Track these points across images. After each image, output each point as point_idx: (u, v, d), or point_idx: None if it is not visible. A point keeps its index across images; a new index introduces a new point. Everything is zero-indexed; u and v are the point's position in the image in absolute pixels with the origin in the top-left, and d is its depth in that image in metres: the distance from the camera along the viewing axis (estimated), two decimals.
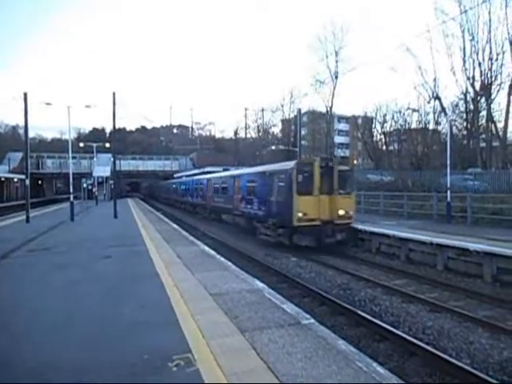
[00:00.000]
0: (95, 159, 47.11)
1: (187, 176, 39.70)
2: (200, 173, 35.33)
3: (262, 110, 55.07)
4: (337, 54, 42.16)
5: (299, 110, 32.56)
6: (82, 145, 46.48)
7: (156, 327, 5.15)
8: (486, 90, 26.12)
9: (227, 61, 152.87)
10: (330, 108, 44.25)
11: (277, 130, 59.12)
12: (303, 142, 46.42)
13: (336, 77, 42.12)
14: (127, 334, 4.96)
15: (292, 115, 49.89)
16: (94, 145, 44.36)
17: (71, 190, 24.71)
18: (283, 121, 54.76)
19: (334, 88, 42.78)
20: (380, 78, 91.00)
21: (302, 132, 40.29)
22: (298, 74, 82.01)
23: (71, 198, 23.64)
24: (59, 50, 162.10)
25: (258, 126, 57.36)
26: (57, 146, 69.79)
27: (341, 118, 60.56)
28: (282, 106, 52.01)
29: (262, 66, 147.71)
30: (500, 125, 27.59)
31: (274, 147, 55.10)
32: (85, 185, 43.86)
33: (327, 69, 42.60)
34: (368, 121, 46.27)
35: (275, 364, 3.97)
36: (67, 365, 4.12)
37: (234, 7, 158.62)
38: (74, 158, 40.74)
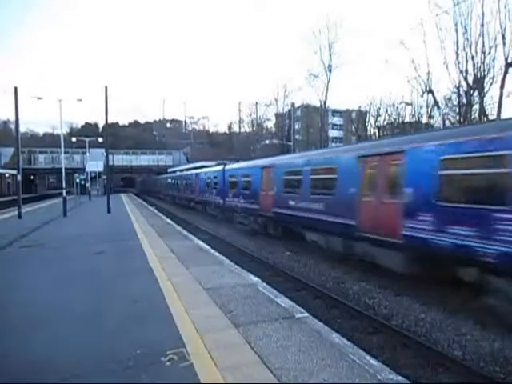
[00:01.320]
0: (88, 154, 46.69)
1: (181, 171, 39.54)
2: (194, 167, 35.18)
3: (256, 104, 54.97)
4: (330, 47, 42.07)
5: (293, 104, 32.58)
6: (74, 139, 46.01)
7: (149, 322, 5.13)
8: (478, 83, 26.20)
9: (221, 54, 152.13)
10: (324, 102, 44.20)
11: (271, 124, 59.13)
12: (297, 136, 46.48)
13: (330, 70, 42.05)
14: (119, 329, 4.94)
15: (286, 109, 49.83)
16: (87, 139, 43.99)
17: (64, 186, 24.47)
18: (277, 115, 54.67)
19: (328, 82, 42.73)
20: (374, 72, 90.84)
21: (296, 126, 40.37)
22: (292, 68, 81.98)
23: (64, 194, 23.42)
24: (50, 43, 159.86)
25: (252, 121, 57.29)
26: (49, 141, 69.16)
27: (335, 112, 60.54)
28: (276, 100, 51.96)
29: (255, 59, 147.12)
30: (493, 117, 27.74)
31: (268, 141, 55.04)
32: (78, 180, 43.50)
33: (321, 62, 42.51)
34: (362, 115, 46.43)
35: (269, 358, 3.98)
36: (58, 360, 4.09)
37: (227, 1, 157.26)
38: (66, 152, 40.46)
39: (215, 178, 23.41)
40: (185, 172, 35.12)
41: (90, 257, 9.93)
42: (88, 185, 42.88)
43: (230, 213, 20.70)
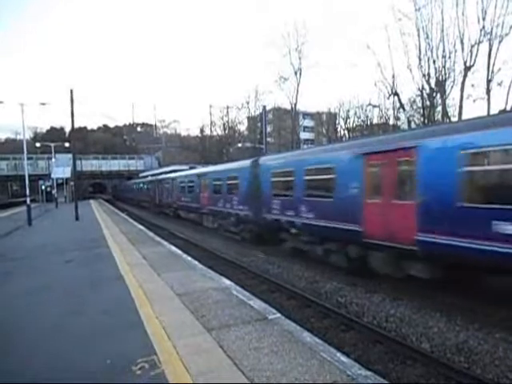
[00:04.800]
0: (54, 160, 45.01)
1: (152, 175, 38.86)
2: (165, 172, 34.65)
3: (227, 108, 54.83)
4: (299, 50, 42.66)
5: (264, 107, 32.82)
6: (38, 145, 44.27)
7: (119, 331, 5.01)
8: (440, 86, 27.35)
9: (191, 58, 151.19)
10: (295, 105, 44.74)
11: (243, 127, 59.12)
12: (269, 139, 46.81)
13: (299, 73, 42.64)
14: (88, 340, 4.79)
15: (257, 112, 50.03)
16: (52, 145, 42.41)
17: (28, 193, 23.49)
18: (249, 118, 54.79)
19: (298, 85, 43.27)
20: (343, 75, 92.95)
21: (268, 129, 40.64)
22: (263, 71, 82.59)
23: (28, 201, 22.47)
24: (11, 45, 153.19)
25: (223, 124, 57.03)
26: (11, 147, 66.14)
27: (305, 115, 61.35)
28: (248, 103, 52.04)
29: (226, 63, 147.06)
30: (454, 119, 29.03)
31: (240, 144, 55.04)
32: (43, 187, 41.85)
33: (290, 65, 43.05)
34: (332, 117, 47.42)
35: (242, 360, 3.98)
36: (26, 375, 3.91)
37: (198, 4, 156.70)
38: (30, 158, 38.86)
39: (237, 178, 16.03)
40: (180, 172, 27.11)
41: (58, 266, 9.57)
42: (54, 192, 41.27)
43: (271, 232, 13.88)
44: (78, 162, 38.82)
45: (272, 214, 13.06)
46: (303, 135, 59.56)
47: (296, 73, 42.45)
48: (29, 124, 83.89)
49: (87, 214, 26.59)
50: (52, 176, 44.61)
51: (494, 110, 23.59)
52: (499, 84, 23.99)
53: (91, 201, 52.41)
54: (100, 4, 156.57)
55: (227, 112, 55.08)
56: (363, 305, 8.15)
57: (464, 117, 25.14)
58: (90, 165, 56.37)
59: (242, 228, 16.12)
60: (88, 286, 7.48)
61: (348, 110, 42.88)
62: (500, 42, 23.46)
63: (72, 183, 36.11)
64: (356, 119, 42.51)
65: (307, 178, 11.29)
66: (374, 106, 35.64)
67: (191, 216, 23.76)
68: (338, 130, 45.77)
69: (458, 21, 24.96)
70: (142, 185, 43.37)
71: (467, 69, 25.07)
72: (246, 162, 15.57)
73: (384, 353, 6.07)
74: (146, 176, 41.31)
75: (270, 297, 8.83)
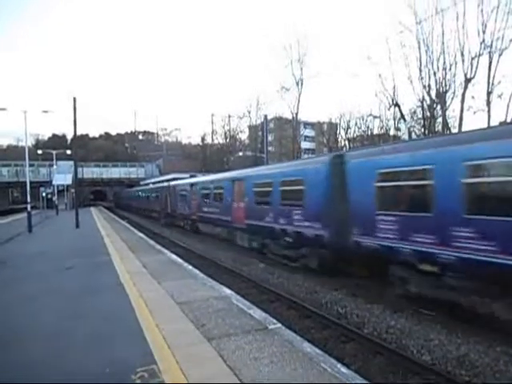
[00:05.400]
0: (55, 167, 45.15)
1: (161, 181, 38.65)
2: (166, 180, 34.44)
3: (229, 117, 55.15)
4: (301, 61, 43.06)
5: (265, 117, 32.92)
6: (40, 152, 44.48)
7: (119, 339, 5.00)
8: (441, 97, 27.55)
9: (193, 67, 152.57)
10: (296, 114, 44.99)
11: (244, 136, 59.38)
12: (270, 148, 46.98)
13: (301, 84, 42.98)
14: (88, 348, 4.78)
15: (259, 121, 50.28)
16: (54, 152, 42.62)
17: (29, 200, 23.54)
18: (250, 127, 55.05)
19: (299, 94, 43.59)
20: (344, 85, 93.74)
21: (269, 138, 40.71)
22: (265, 81, 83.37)
23: (28, 208, 22.50)
24: (15, 52, 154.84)
25: (225, 133, 57.32)
26: (13, 154, 66.42)
27: (306, 124, 61.68)
28: (249, 112, 52.32)
29: (228, 72, 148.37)
30: (455, 130, 29.18)
31: (241, 153, 55.24)
32: (44, 194, 41.91)
33: (292, 76, 43.41)
34: (333, 127, 47.64)
35: (242, 370, 3.96)
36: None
37: (201, 14, 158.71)
38: (31, 165, 39.03)
39: (302, 182, 11.33)
40: (203, 177, 23.49)
41: (58, 273, 9.57)
42: (55, 199, 41.30)
43: (369, 263, 9.88)
44: (79, 170, 38.82)
45: (376, 237, 8.70)
46: (304, 145, 59.81)
47: (297, 83, 42.78)
48: (31, 131, 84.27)
49: (88, 222, 26.60)
50: (53, 183, 44.74)
51: (495, 122, 23.77)
52: (499, 96, 24.19)
53: (92, 208, 52.42)
54: (103, 11, 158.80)
55: (229, 121, 55.41)
56: (363, 316, 8.11)
57: (464, 128, 25.28)
58: (91, 172, 56.53)
59: (306, 253, 11.59)
60: (88, 294, 7.47)
61: (349, 121, 43.12)
62: (500, 55, 23.71)
63: (73, 190, 36.08)
64: (357, 129, 42.74)
65: (476, 181, 6.80)
66: (375, 117, 35.88)
67: (217, 231, 19.57)
68: (339, 140, 45.94)
69: (459, 34, 25.26)
70: (149, 192, 38.64)
71: (467, 81, 25.28)
72: (320, 160, 11.21)
73: (384, 364, 6.03)
74: (154, 182, 38.34)
75: (270, 306, 8.79)
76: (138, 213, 45.70)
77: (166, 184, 30.66)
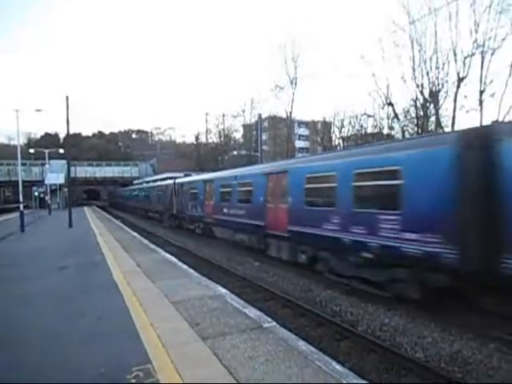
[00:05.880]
0: (47, 166, 44.73)
1: (147, 182, 38.41)
2: (157, 179, 34.04)
3: (223, 115, 55.04)
4: (295, 60, 43.11)
5: (260, 116, 32.91)
6: (32, 151, 44.03)
7: (113, 339, 4.96)
8: (434, 97, 27.75)
9: (188, 65, 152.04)
10: (290, 113, 45.08)
11: (238, 135, 59.34)
12: (265, 147, 46.99)
13: (295, 83, 43.04)
14: (82, 348, 4.74)
15: (253, 120, 50.26)
16: (46, 151, 42.22)
17: (21, 199, 23.31)
18: (244, 126, 55.02)
19: (294, 94, 43.67)
20: (338, 85, 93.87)
21: (264, 137, 40.73)
22: (259, 80, 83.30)
23: (21, 207, 22.29)
24: (7, 50, 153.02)
25: (219, 131, 57.22)
26: (5, 153, 65.58)
27: (301, 123, 61.78)
28: (243, 111, 52.30)
29: (223, 70, 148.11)
30: (447, 129, 29.42)
31: (235, 152, 55.19)
32: (36, 193, 41.54)
33: (287, 75, 43.45)
34: (327, 126, 47.75)
35: (237, 369, 3.96)
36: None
37: (196, 12, 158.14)
38: (23, 164, 38.63)
39: (403, 173, 7.85)
40: (222, 172, 19.56)
41: (51, 273, 9.48)
42: (48, 198, 40.92)
43: None
44: (72, 169, 38.53)
45: None
46: (298, 144, 59.93)
47: (292, 82, 42.89)
48: (23, 129, 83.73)
49: (81, 221, 26.41)
50: (46, 182, 44.34)
51: (487, 121, 24.00)
52: (491, 95, 24.42)
53: (85, 208, 52.02)
54: (97, 10, 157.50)
55: (223, 120, 55.31)
56: (358, 314, 8.15)
57: (457, 127, 25.49)
58: (84, 171, 56.14)
59: (402, 276, 8.08)
60: (82, 293, 7.41)
61: (343, 120, 43.23)
62: (492, 54, 23.95)
63: (66, 190, 35.75)
64: (350, 128, 42.90)
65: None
66: (369, 116, 36.03)
67: (239, 238, 15.98)
68: (333, 138, 46.09)
69: (451, 33, 25.48)
70: (148, 190, 35.16)
71: (460, 80, 25.50)
72: (435, 140, 7.68)
73: (378, 362, 6.07)
74: (155, 180, 35.55)
75: (264, 305, 8.80)
76: (135, 213, 43.46)
77: (170, 182, 27.27)
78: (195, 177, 23.41)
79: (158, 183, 32.20)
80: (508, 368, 5.61)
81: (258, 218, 13.59)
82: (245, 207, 14.80)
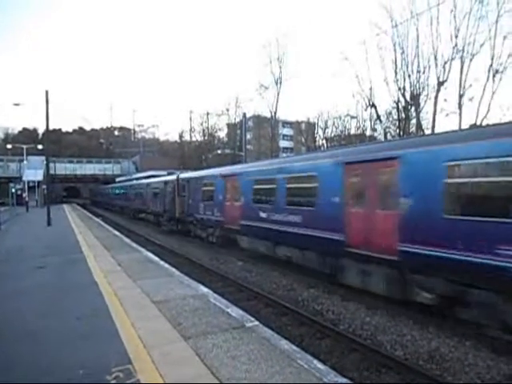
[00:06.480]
0: (25, 162, 43.48)
1: (129, 180, 37.59)
2: (143, 177, 33.27)
3: (207, 114, 54.73)
4: (280, 60, 43.30)
5: (244, 115, 32.96)
6: (9, 146, 42.76)
7: (93, 340, 4.87)
8: (415, 99, 28.35)
9: (171, 62, 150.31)
10: (275, 113, 45.27)
11: (223, 134, 59.12)
12: (249, 147, 46.97)
13: (280, 82, 43.21)
14: (60, 349, 4.63)
15: (238, 119, 50.21)
16: (24, 146, 41.12)
17: None
18: (229, 125, 54.88)
19: (278, 93, 43.86)
20: (322, 85, 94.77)
21: (248, 136, 40.80)
22: (244, 79, 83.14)
23: None
24: None
25: (203, 130, 56.87)
26: None
27: (285, 123, 62.12)
28: (228, 110, 52.15)
29: (207, 68, 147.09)
30: (428, 131, 30.09)
31: (219, 151, 54.97)
32: (13, 190, 40.29)
33: (271, 74, 43.58)
34: (311, 126, 48.15)
35: (219, 369, 3.94)
36: None
37: (180, 10, 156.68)
38: (0, 160, 37.47)
39: None
40: (254, 164, 15.39)
41: (29, 272, 9.22)
42: (25, 195, 39.78)
43: None
44: (52, 165, 37.56)
45: None
46: (282, 143, 60.20)
47: (276, 82, 43.09)
48: (0, 124, 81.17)
49: (60, 219, 25.80)
50: (23, 179, 43.05)
51: (466, 125, 24.65)
52: (470, 99, 25.13)
53: (65, 205, 50.81)
54: (77, 6, 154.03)
55: (207, 118, 55.00)
56: (339, 313, 8.24)
57: (437, 130, 26.11)
58: (64, 168, 54.75)
59: None
60: (60, 293, 7.24)
61: (326, 120, 43.76)
62: (471, 59, 24.65)
63: (44, 187, 34.78)
64: (334, 129, 43.39)
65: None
66: (352, 117, 36.56)
67: (281, 253, 11.85)
68: (317, 139, 46.49)
69: (433, 38, 26.08)
70: (140, 188, 30.48)
71: (440, 84, 26.13)
72: None
73: (359, 360, 6.15)
74: (147, 176, 30.56)
75: (247, 304, 8.80)
76: (123, 213, 39.21)
77: (171, 178, 22.70)
78: (209, 170, 18.87)
79: (155, 179, 27.06)
80: (483, 365, 5.78)
81: (327, 229, 9.44)
82: (301, 212, 10.52)
